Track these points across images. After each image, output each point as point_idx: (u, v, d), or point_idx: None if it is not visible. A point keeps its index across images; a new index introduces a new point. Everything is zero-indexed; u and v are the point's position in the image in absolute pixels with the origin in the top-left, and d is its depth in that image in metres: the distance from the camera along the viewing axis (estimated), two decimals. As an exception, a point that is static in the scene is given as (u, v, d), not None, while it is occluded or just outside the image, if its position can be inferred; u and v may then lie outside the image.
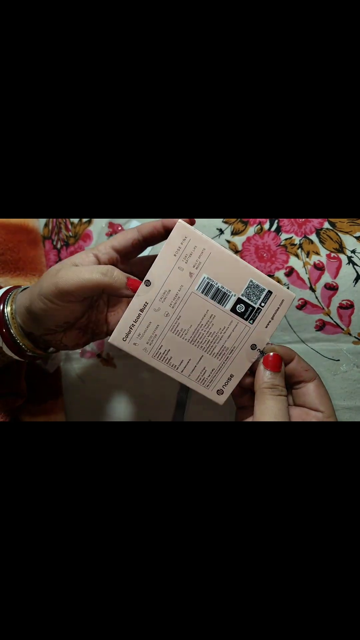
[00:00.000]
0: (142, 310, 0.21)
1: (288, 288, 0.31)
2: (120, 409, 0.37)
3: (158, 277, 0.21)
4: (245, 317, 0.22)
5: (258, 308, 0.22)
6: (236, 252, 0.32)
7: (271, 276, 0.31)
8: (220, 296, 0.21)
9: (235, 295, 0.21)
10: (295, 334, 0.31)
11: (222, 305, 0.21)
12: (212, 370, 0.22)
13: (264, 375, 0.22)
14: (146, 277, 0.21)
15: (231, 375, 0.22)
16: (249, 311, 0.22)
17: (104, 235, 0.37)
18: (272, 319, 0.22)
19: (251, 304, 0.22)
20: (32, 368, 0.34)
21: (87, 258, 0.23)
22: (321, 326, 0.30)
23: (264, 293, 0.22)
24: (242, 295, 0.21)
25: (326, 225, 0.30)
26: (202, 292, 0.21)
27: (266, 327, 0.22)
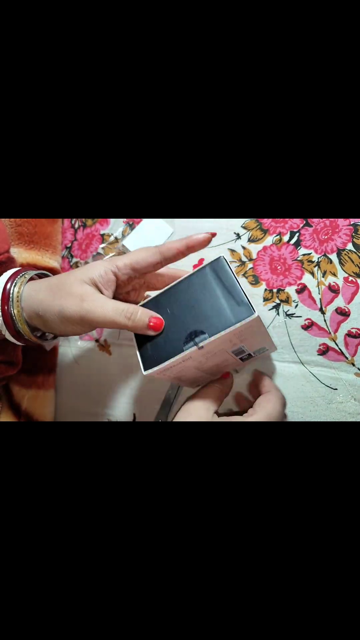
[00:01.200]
0: (184, 361, 0.23)
1: (297, 306, 0.29)
2: (108, 397, 0.37)
3: (211, 347, 0.22)
4: (243, 359, 0.27)
5: (254, 356, 0.27)
6: (250, 259, 0.31)
7: (281, 290, 0.30)
8: (240, 353, 0.25)
9: (249, 352, 0.26)
10: (296, 353, 0.29)
11: (237, 356, 0.26)
12: (202, 378, 0.28)
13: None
14: (202, 344, 0.22)
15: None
16: (247, 357, 0.27)
17: (120, 222, 0.37)
18: (255, 360, 0.28)
19: (253, 355, 0.27)
20: (31, 341, 0.34)
21: (107, 276, 0.24)
22: (324, 351, 0.29)
23: (263, 350, 0.27)
24: (253, 352, 0.26)
25: (349, 246, 0.28)
26: (232, 352, 0.25)
27: (248, 363, 0.29)
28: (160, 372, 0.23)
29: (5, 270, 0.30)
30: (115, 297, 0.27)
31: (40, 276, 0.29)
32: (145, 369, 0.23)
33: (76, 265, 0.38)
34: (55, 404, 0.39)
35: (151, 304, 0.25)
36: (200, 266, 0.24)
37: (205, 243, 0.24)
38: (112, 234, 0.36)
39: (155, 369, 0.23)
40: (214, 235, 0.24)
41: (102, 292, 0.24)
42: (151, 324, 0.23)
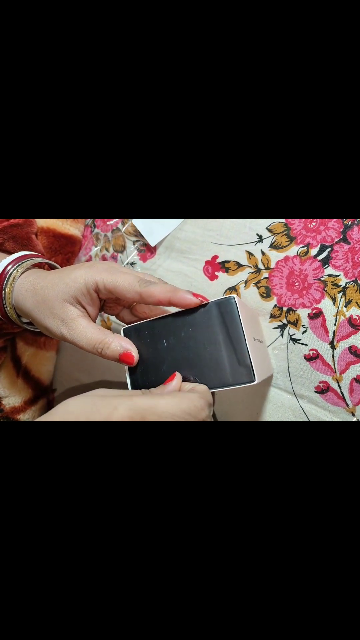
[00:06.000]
0: None
1: (305, 332, 0.26)
2: (99, 371, 0.38)
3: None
4: None
5: None
6: (267, 268, 0.27)
7: (292, 310, 0.26)
8: None
9: None
10: (291, 383, 0.26)
11: None
12: None
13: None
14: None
15: None
16: None
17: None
18: None
19: None
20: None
21: (89, 295, 0.24)
22: (324, 390, 0.25)
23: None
24: None
25: (390, 277, 0.23)
26: None
27: None
28: None
29: (23, 234, 0.31)
30: (104, 306, 0.27)
31: (51, 266, 0.29)
32: None
33: (97, 237, 0.38)
34: (56, 364, 0.41)
35: (146, 329, 0.24)
36: (207, 302, 0.22)
37: (189, 306, 0.22)
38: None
39: None
40: (203, 300, 0.22)
41: (86, 309, 0.24)
42: (121, 358, 0.23)
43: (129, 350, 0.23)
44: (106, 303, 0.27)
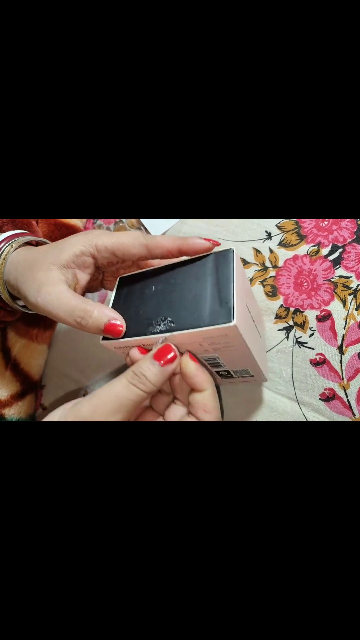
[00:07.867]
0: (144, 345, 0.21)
1: (312, 335, 0.24)
2: (91, 368, 0.36)
3: (178, 341, 0.20)
4: (221, 375, 0.23)
5: (235, 376, 0.23)
6: (274, 266, 0.26)
7: (299, 312, 0.25)
8: (215, 365, 0.22)
9: (227, 369, 0.22)
10: (294, 388, 0.25)
11: (212, 368, 0.22)
12: None
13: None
14: (164, 336, 0.20)
15: None
16: (227, 375, 0.23)
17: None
18: (239, 382, 0.24)
19: (233, 375, 0.23)
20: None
21: (82, 257, 0.21)
22: (329, 397, 0.23)
23: (247, 373, 0.23)
24: (233, 371, 0.22)
25: None
26: (205, 359, 0.21)
27: (231, 382, 0.24)
28: (117, 348, 0.21)
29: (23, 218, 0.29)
30: (95, 279, 0.25)
31: (39, 243, 0.28)
32: (102, 338, 0.21)
33: (99, 227, 0.37)
34: (47, 359, 0.39)
35: (139, 277, 0.22)
36: (206, 253, 0.20)
37: (202, 251, 0.20)
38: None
39: (112, 342, 0.21)
40: (216, 244, 0.20)
41: (76, 275, 0.22)
42: (106, 329, 0.20)
43: (115, 319, 0.20)
44: (105, 277, 0.25)
